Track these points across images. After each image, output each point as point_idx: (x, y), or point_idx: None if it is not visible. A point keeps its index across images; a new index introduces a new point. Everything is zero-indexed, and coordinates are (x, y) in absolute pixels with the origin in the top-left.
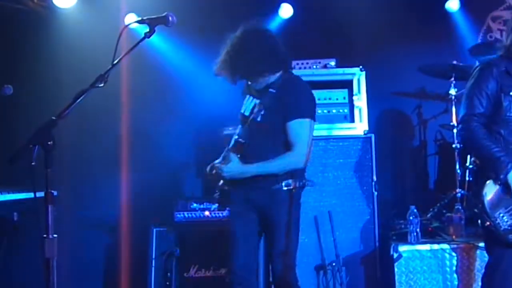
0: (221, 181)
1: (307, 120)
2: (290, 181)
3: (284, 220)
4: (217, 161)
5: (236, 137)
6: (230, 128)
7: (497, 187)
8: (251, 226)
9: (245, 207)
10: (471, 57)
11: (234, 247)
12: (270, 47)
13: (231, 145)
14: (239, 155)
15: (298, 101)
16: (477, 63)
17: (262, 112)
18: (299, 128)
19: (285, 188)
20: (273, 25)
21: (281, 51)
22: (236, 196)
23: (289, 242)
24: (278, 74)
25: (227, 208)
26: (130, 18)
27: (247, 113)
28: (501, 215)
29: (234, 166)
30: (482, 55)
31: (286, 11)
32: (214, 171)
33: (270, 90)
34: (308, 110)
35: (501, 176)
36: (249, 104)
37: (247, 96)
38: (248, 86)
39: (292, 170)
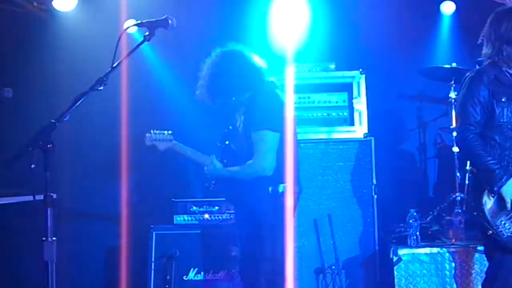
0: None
1: (265, 131)
2: (276, 186)
3: (270, 224)
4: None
5: (221, 142)
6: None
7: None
8: (240, 228)
9: (240, 211)
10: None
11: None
12: (243, 67)
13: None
14: (225, 160)
15: (257, 114)
16: (469, 71)
17: (240, 124)
18: (257, 139)
19: (271, 193)
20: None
21: (255, 68)
22: (234, 201)
23: (276, 246)
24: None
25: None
26: (130, 24)
27: (231, 123)
28: (503, 222)
29: (212, 168)
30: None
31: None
32: None
33: (244, 103)
34: (265, 122)
35: (495, 189)
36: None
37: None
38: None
39: (256, 177)
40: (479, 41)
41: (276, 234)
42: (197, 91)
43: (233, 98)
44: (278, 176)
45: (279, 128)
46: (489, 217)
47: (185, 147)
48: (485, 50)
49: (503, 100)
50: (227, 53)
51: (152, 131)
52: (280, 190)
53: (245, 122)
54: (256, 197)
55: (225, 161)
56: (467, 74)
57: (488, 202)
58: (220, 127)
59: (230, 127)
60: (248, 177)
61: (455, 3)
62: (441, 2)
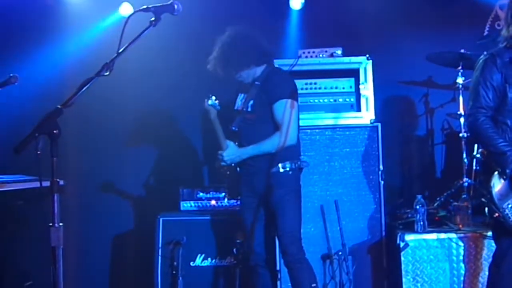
0: (227, 172)
1: (288, 100)
2: (286, 163)
3: (286, 200)
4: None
5: (231, 127)
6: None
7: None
8: (256, 214)
9: (252, 197)
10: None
11: (247, 235)
12: (255, 42)
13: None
14: (236, 143)
15: (278, 85)
16: (484, 54)
17: (251, 103)
18: (282, 108)
19: (282, 170)
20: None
21: (265, 46)
22: (243, 188)
23: (293, 219)
24: (262, 67)
25: (237, 199)
26: (126, 8)
27: (238, 107)
28: (510, 206)
29: (231, 151)
30: (490, 47)
31: (296, 2)
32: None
33: (256, 83)
34: (288, 92)
35: (507, 171)
36: (240, 100)
37: (239, 94)
38: (238, 85)
39: (285, 147)
40: (485, 33)
41: (291, 208)
42: (208, 63)
43: (243, 74)
44: (288, 153)
45: (297, 100)
46: (496, 200)
47: (218, 124)
48: (503, 32)
49: None
50: (241, 28)
51: (212, 96)
52: (290, 167)
53: (263, 95)
54: (269, 176)
55: (236, 143)
56: (481, 56)
57: (497, 185)
58: (226, 111)
59: (240, 109)
60: (276, 148)
61: None
62: None
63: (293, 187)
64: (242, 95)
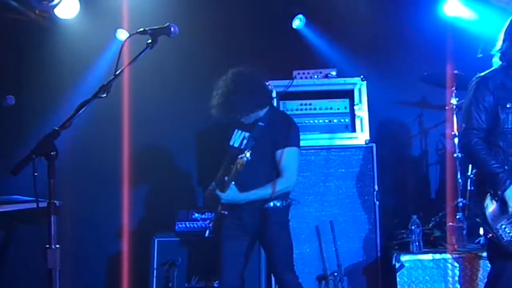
0: (219, 207)
1: (295, 148)
2: (277, 200)
3: (280, 234)
4: (212, 185)
5: (232, 166)
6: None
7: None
8: (239, 248)
9: (238, 230)
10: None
11: (221, 268)
12: (260, 86)
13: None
14: (233, 182)
15: (286, 132)
16: (476, 76)
17: (253, 144)
18: (288, 156)
19: (273, 207)
20: (278, 35)
21: (268, 88)
22: (229, 221)
23: (287, 249)
24: (265, 109)
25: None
26: (121, 34)
27: (236, 145)
28: (503, 226)
29: (232, 194)
30: (483, 68)
31: (297, 22)
32: (212, 193)
33: (260, 123)
34: (296, 140)
35: (499, 193)
36: (238, 137)
37: (235, 130)
38: (236, 121)
39: (283, 193)
40: (479, 54)
41: (283, 243)
42: (212, 108)
43: (250, 114)
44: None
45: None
46: (490, 220)
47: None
48: (498, 48)
49: (508, 106)
50: (243, 71)
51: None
52: (282, 205)
53: (267, 138)
54: (260, 212)
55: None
56: (474, 78)
57: (490, 206)
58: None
59: (234, 144)
60: (277, 194)
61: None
62: (442, 8)
63: (285, 221)
64: (240, 132)
